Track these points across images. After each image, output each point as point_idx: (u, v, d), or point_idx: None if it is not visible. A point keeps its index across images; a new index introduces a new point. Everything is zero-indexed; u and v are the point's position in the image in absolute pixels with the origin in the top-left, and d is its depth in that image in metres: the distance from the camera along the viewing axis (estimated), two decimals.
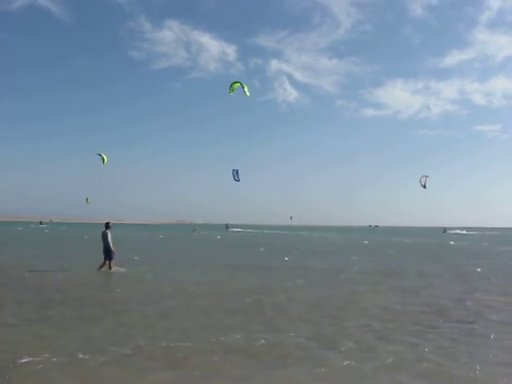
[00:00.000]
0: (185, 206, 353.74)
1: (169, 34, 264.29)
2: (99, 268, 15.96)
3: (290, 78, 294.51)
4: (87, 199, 37.65)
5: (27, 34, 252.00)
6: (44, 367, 5.71)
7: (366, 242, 48.87)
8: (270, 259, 23.11)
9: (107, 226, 16.32)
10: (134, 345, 6.72)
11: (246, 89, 19.20)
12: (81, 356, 6.13)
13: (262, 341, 7.07)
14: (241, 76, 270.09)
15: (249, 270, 17.78)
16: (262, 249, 31.67)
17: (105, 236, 15.98)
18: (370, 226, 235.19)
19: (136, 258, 21.52)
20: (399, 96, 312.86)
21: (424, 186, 25.68)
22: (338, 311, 9.65)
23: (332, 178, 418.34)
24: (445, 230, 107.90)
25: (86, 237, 47.04)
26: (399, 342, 7.19)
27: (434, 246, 43.46)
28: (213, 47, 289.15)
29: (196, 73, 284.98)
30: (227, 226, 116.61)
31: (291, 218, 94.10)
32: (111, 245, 15.79)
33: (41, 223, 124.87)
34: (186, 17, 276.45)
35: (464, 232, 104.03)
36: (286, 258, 23.35)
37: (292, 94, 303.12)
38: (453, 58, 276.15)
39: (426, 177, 25.71)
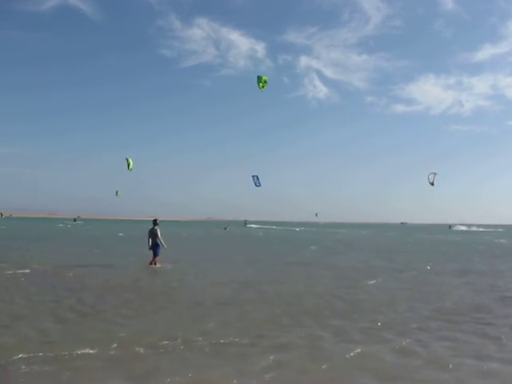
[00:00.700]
0: (214, 203, 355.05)
1: (198, 32, 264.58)
2: (150, 264, 15.62)
3: (319, 74, 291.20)
4: (117, 192, 37.20)
5: (58, 33, 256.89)
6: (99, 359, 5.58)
7: (411, 239, 46.90)
8: (332, 257, 21.57)
9: (155, 222, 16.02)
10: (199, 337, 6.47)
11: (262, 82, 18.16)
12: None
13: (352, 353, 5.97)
14: (270, 72, 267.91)
15: (322, 270, 16.10)
16: (312, 247, 29.93)
17: (154, 233, 15.63)
18: (402, 223, 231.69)
19: (182, 255, 20.54)
20: (431, 91, 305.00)
21: (432, 184, 25.41)
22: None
23: (362, 175, 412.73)
24: (450, 226, 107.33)
25: (121, 234, 46.99)
26: None
27: (481, 243, 40.70)
28: (242, 44, 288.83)
29: (225, 70, 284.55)
30: (245, 223, 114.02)
31: (316, 214, 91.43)
32: (162, 241, 15.56)
33: (75, 220, 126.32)
34: (216, 14, 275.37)
35: (464, 228, 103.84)
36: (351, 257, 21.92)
37: (322, 90, 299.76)
38: (485, 53, 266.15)
39: (435, 174, 25.47)
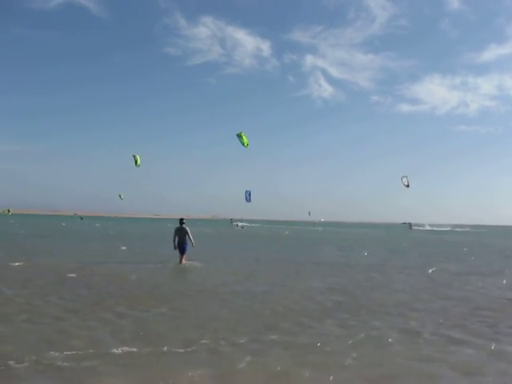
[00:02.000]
0: (219, 201, 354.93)
1: (204, 30, 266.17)
2: (180, 262, 15.83)
3: (324, 73, 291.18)
4: (120, 195, 37.25)
5: (64, 30, 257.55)
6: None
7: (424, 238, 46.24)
8: (359, 258, 20.93)
9: (182, 221, 16.23)
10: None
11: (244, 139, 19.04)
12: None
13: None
14: (275, 71, 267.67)
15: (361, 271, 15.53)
16: (330, 246, 29.33)
17: (185, 231, 15.91)
18: (404, 223, 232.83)
19: (205, 252, 20.15)
20: (436, 91, 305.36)
21: (407, 186, 26.43)
22: None
23: (367, 175, 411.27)
24: (410, 225, 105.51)
25: (138, 232, 46.53)
26: None
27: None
28: (248, 43, 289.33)
29: (231, 68, 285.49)
30: (232, 221, 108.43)
31: (309, 213, 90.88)
32: (192, 239, 15.89)
33: (81, 218, 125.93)
34: (221, 13, 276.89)
35: (428, 228, 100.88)
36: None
37: (327, 89, 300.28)
38: (491, 53, 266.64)
39: (406, 177, 26.64)
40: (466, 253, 25.98)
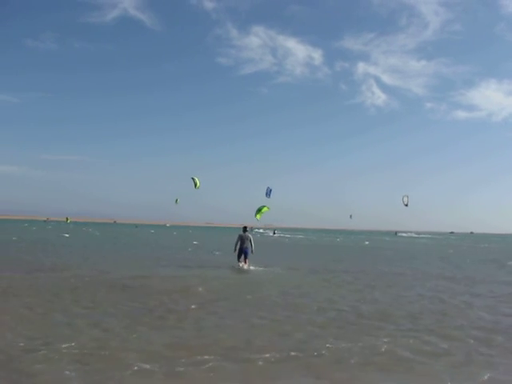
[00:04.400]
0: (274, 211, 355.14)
1: (255, 40, 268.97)
2: (241, 266, 16.93)
3: (377, 80, 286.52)
4: (176, 200, 37.81)
5: (120, 42, 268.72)
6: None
7: (486, 245, 44.50)
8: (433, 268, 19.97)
9: (245, 229, 17.80)
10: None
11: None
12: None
13: None
14: (327, 80, 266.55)
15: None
16: (388, 252, 29.16)
17: (248, 238, 17.31)
18: (452, 232, 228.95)
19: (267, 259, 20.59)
20: (493, 97, 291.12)
21: (406, 205, 27.38)
22: None
23: (431, 186, 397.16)
24: (396, 233, 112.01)
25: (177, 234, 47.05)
26: None
27: None
28: (299, 51, 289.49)
29: (282, 77, 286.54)
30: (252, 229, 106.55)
31: (351, 216, 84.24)
32: (253, 246, 17.17)
33: (136, 226, 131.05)
34: (272, 22, 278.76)
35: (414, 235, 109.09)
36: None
37: (380, 97, 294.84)
38: None
39: (407, 196, 27.73)
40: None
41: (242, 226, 18.04)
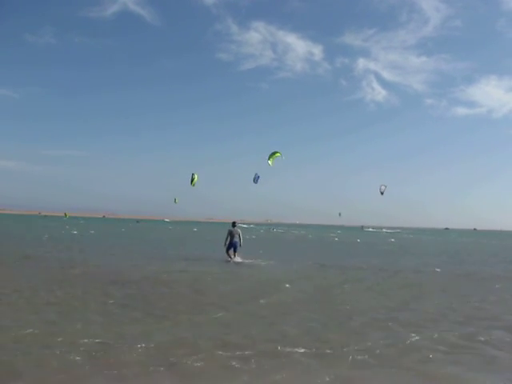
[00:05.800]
0: (271, 206, 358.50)
1: (255, 35, 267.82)
2: (230, 259, 18.27)
3: (377, 76, 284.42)
4: (175, 199, 37.50)
5: (120, 37, 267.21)
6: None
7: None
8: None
9: (235, 224, 18.98)
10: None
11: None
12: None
13: None
14: (327, 75, 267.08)
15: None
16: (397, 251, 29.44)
17: (238, 232, 18.60)
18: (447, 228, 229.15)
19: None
20: (493, 94, 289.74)
21: (382, 193, 27.68)
22: None
23: (428, 182, 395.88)
24: (362, 227, 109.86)
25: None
26: None
27: None
28: (299, 47, 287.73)
29: (283, 73, 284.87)
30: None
31: (340, 214, 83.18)
32: (241, 240, 18.58)
33: (137, 222, 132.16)
34: (272, 17, 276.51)
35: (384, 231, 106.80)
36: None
37: (380, 93, 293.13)
38: None
39: (385, 186, 27.93)
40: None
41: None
